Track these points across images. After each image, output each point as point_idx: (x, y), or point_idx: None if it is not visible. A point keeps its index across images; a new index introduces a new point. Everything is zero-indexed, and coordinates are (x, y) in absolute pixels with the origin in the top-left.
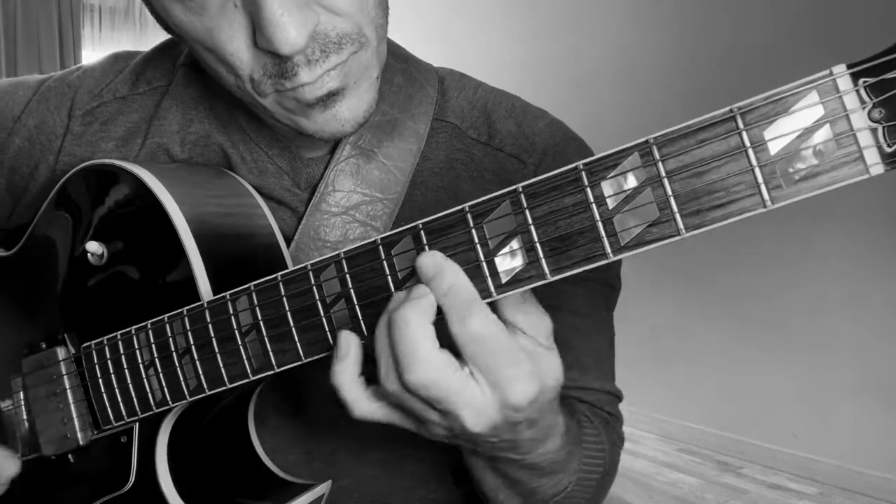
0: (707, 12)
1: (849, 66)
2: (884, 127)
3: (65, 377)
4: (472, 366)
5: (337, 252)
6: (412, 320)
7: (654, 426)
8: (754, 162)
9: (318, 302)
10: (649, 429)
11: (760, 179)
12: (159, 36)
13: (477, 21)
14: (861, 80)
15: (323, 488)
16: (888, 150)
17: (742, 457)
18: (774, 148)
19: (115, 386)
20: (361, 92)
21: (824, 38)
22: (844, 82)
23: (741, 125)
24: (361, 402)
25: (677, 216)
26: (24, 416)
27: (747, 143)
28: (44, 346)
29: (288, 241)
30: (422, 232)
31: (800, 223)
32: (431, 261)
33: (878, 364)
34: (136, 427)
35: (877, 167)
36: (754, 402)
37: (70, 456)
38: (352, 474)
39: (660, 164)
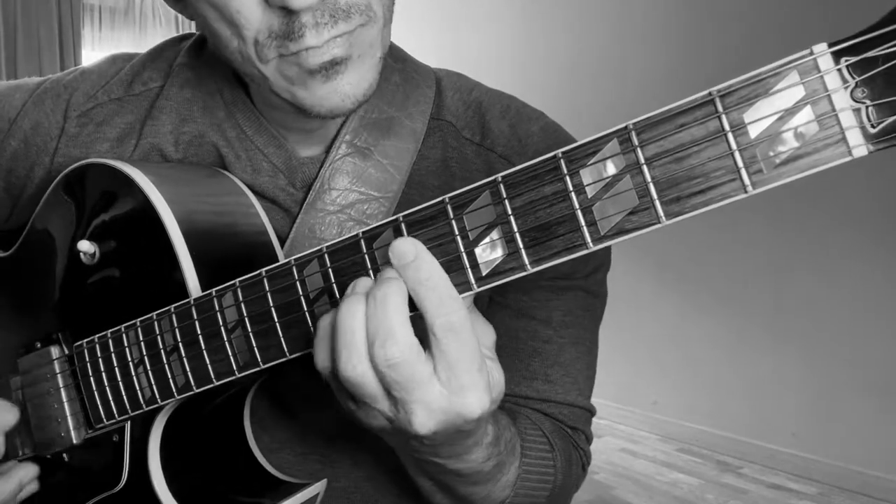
0: (702, 7)
1: (830, 45)
2: (867, 107)
3: (58, 376)
4: (439, 361)
5: (319, 247)
6: (392, 299)
7: (654, 426)
8: (734, 146)
9: (302, 297)
10: (649, 429)
11: (740, 164)
12: (159, 36)
13: (474, 21)
14: (843, 59)
15: (318, 487)
16: (872, 130)
17: (742, 457)
18: (754, 131)
19: (106, 384)
20: (364, 69)
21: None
22: (825, 61)
23: (720, 108)
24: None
25: (657, 203)
26: (21, 416)
27: (727, 127)
28: (38, 345)
29: (283, 240)
30: (402, 224)
31: (800, 222)
32: (411, 246)
33: (878, 364)
34: (128, 426)
35: (860, 149)
36: (754, 402)
37: (65, 455)
38: (348, 475)
39: (639, 151)
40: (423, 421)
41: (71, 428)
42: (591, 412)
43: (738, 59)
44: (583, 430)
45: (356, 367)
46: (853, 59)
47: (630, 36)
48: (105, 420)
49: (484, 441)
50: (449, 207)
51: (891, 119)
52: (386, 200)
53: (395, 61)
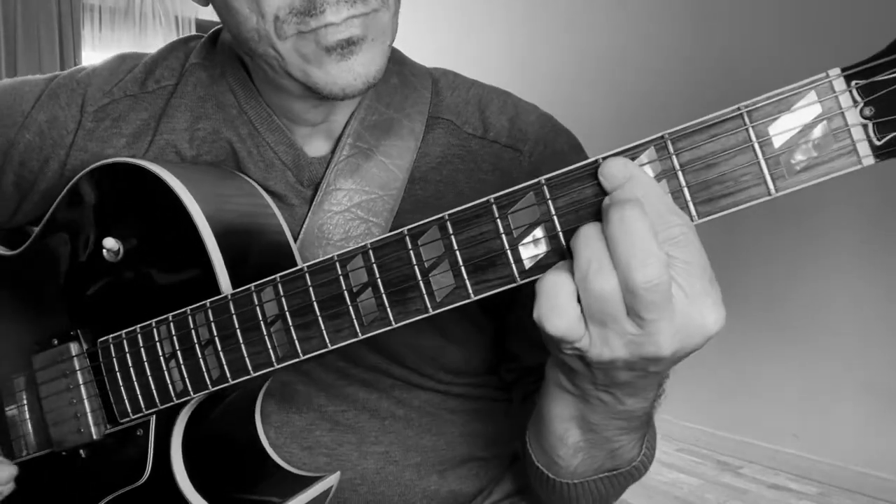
0: (705, 16)
1: (843, 70)
2: (874, 123)
3: (78, 372)
4: (672, 272)
5: (363, 244)
6: (639, 217)
7: None
8: (760, 155)
9: (346, 291)
10: None
11: (766, 170)
12: (159, 36)
13: (473, 20)
14: (853, 82)
15: (332, 480)
16: (877, 143)
17: (742, 457)
18: (778, 142)
19: (134, 379)
20: (375, 53)
21: (820, 43)
22: (839, 84)
23: (748, 122)
24: (571, 314)
25: (690, 205)
26: (29, 414)
27: (754, 138)
28: (55, 342)
29: (293, 238)
30: (448, 223)
31: (801, 222)
32: (623, 168)
33: (878, 364)
34: (153, 420)
35: (868, 159)
36: (754, 402)
37: (82, 451)
38: (354, 468)
39: (674, 158)
40: (669, 339)
41: (91, 424)
42: None
43: (740, 62)
44: None
45: (604, 287)
46: (862, 83)
47: (632, 39)
48: (131, 414)
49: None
50: (494, 207)
51: (892, 134)
52: (390, 198)
53: (393, 64)
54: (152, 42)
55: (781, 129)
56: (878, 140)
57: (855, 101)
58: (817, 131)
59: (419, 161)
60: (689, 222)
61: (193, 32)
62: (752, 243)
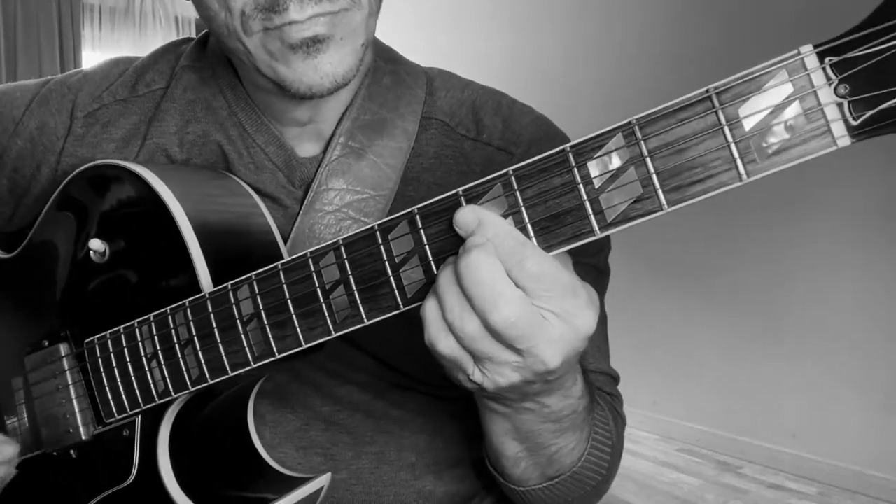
0: (691, 9)
1: (815, 46)
2: (849, 101)
3: (67, 373)
4: (537, 301)
5: (335, 239)
6: (483, 261)
7: (654, 426)
8: (730, 138)
9: (318, 289)
10: (649, 429)
11: (736, 154)
12: (159, 36)
13: (467, 18)
14: (826, 59)
15: (322, 481)
16: (853, 123)
17: (742, 457)
18: (749, 124)
19: (118, 379)
20: (345, 52)
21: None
22: (811, 61)
23: (717, 104)
24: (441, 335)
25: (660, 192)
26: (26, 414)
27: (723, 121)
28: (46, 343)
29: (283, 239)
30: (417, 217)
31: (800, 221)
32: (471, 214)
33: (878, 364)
34: (139, 420)
35: (843, 139)
36: (754, 402)
37: (72, 451)
38: (349, 467)
39: (642, 144)
40: (553, 354)
41: (80, 424)
42: (617, 378)
43: (730, 57)
44: (616, 395)
45: (469, 329)
46: (836, 59)
47: (620, 35)
48: (116, 414)
49: (578, 374)
50: (462, 199)
51: (869, 113)
52: (382, 198)
53: (387, 63)
54: (152, 42)
55: (752, 111)
56: (854, 119)
57: (829, 79)
58: (789, 112)
59: (412, 162)
60: (541, 251)
61: (193, 32)
62: (751, 243)
